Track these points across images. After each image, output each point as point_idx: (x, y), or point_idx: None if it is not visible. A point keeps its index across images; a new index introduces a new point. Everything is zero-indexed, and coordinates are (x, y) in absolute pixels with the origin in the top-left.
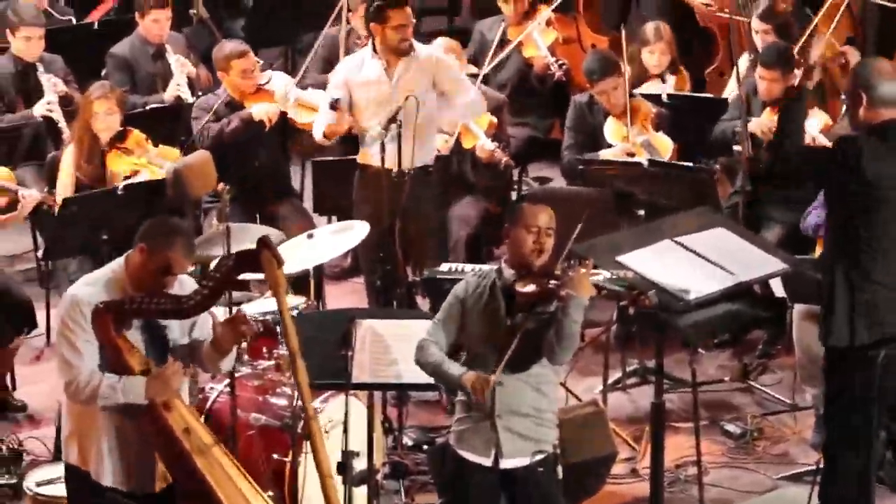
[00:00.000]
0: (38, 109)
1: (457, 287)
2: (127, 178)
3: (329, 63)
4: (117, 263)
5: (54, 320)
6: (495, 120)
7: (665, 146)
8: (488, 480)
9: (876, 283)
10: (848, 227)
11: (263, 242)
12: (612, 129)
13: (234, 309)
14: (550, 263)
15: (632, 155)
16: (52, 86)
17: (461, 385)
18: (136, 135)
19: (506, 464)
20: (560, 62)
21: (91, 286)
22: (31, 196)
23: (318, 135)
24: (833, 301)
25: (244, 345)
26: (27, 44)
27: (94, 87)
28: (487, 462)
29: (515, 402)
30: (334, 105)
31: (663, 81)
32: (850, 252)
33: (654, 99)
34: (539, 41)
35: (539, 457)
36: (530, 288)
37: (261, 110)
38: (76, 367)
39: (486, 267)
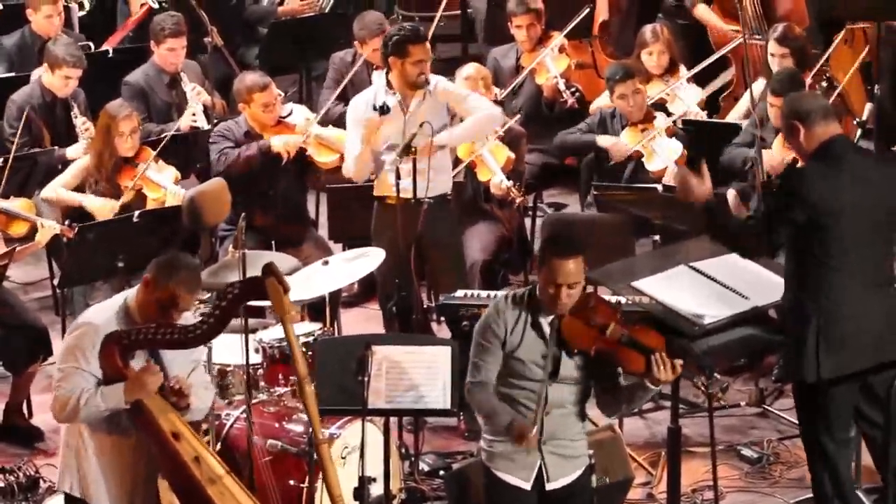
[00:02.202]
0: (73, 152)
1: (491, 321)
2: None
3: (337, 83)
4: (130, 293)
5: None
6: (513, 156)
7: (673, 150)
8: (525, 500)
9: (838, 304)
10: (807, 257)
11: (269, 269)
12: (628, 136)
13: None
14: (609, 317)
15: (639, 155)
16: (86, 130)
17: (509, 437)
18: (147, 152)
19: (552, 486)
20: (573, 89)
21: (105, 314)
22: (49, 227)
23: (353, 152)
24: (805, 336)
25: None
26: (65, 82)
27: (115, 108)
28: (526, 486)
29: (561, 429)
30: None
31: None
32: (814, 280)
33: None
34: (551, 68)
35: (579, 472)
36: (583, 343)
37: (280, 142)
38: (61, 388)
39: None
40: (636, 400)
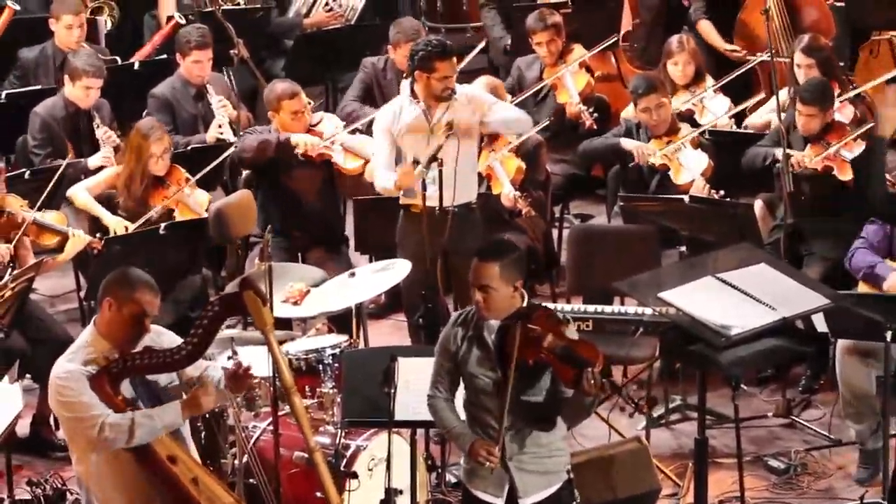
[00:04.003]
0: (95, 161)
1: (444, 340)
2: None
3: (367, 88)
4: (87, 331)
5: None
6: (524, 166)
7: (699, 162)
8: None
9: None
10: None
11: (246, 283)
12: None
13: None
14: (547, 328)
15: (665, 168)
16: (108, 138)
17: (471, 458)
18: (179, 172)
19: (525, 501)
20: (591, 111)
21: (72, 362)
22: (79, 238)
23: (387, 185)
24: None
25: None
26: (86, 93)
27: (147, 128)
28: (499, 501)
29: (523, 443)
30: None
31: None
32: None
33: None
34: (571, 87)
35: (555, 488)
36: (523, 353)
37: (301, 139)
38: (99, 414)
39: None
40: (581, 408)
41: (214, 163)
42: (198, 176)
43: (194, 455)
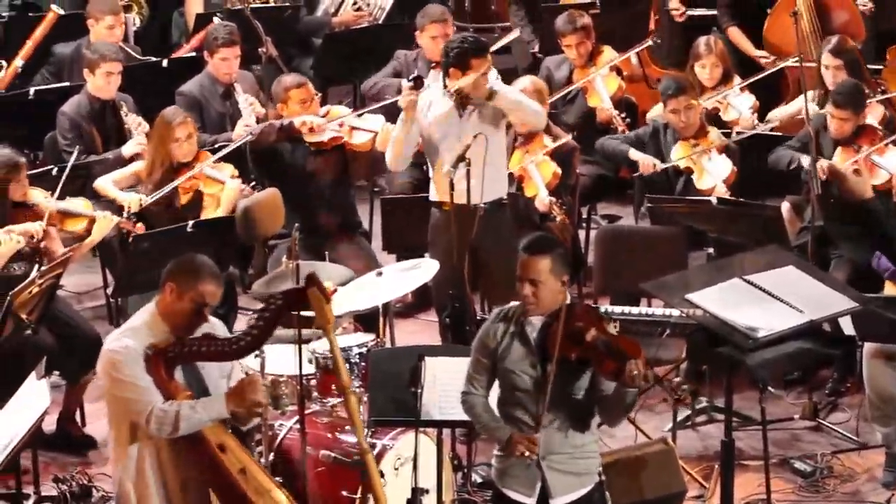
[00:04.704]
0: (130, 149)
1: (483, 335)
2: (188, 204)
3: (397, 75)
4: (147, 310)
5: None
6: (559, 171)
7: (724, 168)
8: None
9: None
10: None
11: (311, 279)
12: (678, 151)
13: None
14: (590, 322)
15: (690, 171)
16: (138, 126)
17: (509, 450)
18: (204, 155)
19: (556, 502)
20: (623, 116)
21: (130, 338)
22: (107, 218)
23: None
24: None
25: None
26: (107, 79)
27: (170, 114)
28: (531, 501)
29: (557, 442)
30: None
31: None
32: None
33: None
34: (602, 91)
35: (587, 489)
36: (565, 349)
37: (305, 119)
38: (147, 400)
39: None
40: (622, 403)
41: (238, 143)
42: (220, 154)
43: None
